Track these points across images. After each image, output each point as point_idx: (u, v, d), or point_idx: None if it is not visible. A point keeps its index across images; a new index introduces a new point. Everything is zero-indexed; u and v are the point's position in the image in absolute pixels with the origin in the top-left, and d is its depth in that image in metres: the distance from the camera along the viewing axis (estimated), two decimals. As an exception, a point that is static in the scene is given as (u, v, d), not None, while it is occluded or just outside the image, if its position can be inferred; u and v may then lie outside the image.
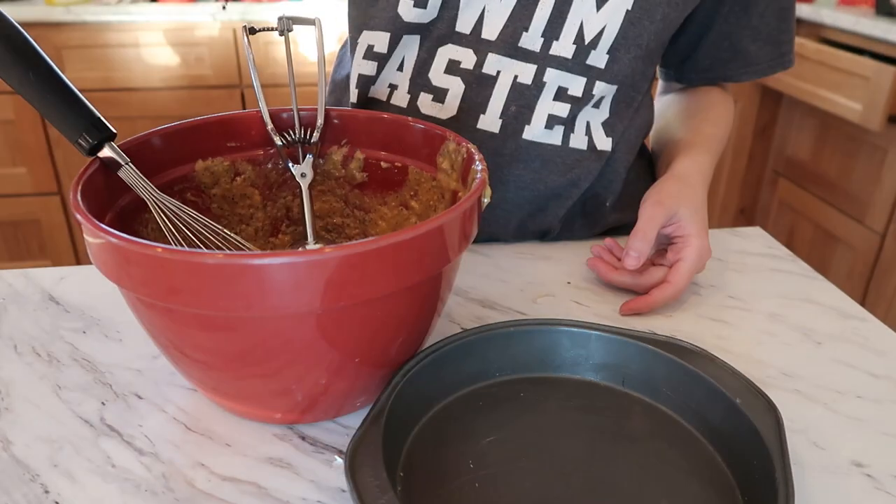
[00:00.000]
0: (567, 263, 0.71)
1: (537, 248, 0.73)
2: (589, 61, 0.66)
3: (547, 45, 0.65)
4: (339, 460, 0.46)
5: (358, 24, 0.70)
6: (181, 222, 0.51)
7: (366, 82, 0.71)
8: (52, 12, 1.79)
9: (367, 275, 0.38)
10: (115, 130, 0.50)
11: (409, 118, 0.58)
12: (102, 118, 0.50)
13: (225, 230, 0.54)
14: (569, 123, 0.70)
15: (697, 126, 0.76)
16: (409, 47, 0.69)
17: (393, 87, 0.71)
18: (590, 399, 0.51)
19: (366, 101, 0.73)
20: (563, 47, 0.65)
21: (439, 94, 0.69)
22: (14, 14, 1.77)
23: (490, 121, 0.69)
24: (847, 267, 1.95)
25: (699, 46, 0.77)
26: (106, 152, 0.49)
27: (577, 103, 0.68)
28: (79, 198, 0.43)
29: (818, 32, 2.01)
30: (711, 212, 2.37)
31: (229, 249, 0.54)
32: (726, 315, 0.63)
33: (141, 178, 0.50)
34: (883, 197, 1.81)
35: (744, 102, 2.19)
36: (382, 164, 0.59)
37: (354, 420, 0.49)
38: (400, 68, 0.70)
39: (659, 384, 0.50)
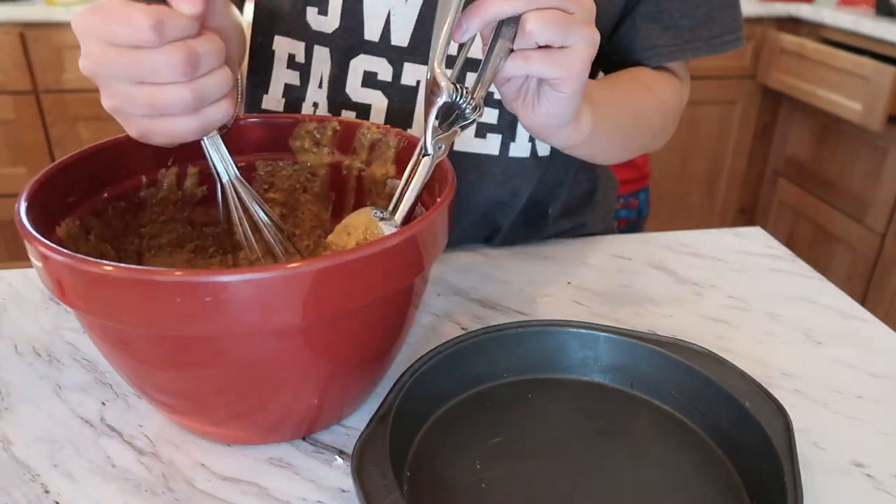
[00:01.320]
0: (567, 263, 0.71)
1: (537, 248, 0.73)
2: None
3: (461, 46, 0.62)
4: (339, 460, 0.46)
5: (266, 28, 0.67)
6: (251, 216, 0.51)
7: (293, 92, 0.68)
8: (52, 12, 1.79)
9: (339, 287, 0.38)
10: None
11: (255, 115, 0.58)
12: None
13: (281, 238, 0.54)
14: (507, 131, 0.66)
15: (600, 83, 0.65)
16: (323, 61, 0.65)
17: (315, 106, 0.68)
18: (598, 401, 0.51)
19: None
20: (479, 50, 0.61)
21: (361, 112, 0.66)
22: (14, 14, 1.77)
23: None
24: (847, 267, 1.95)
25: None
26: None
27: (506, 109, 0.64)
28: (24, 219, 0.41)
29: (818, 32, 2.02)
30: (711, 211, 2.37)
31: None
32: (726, 315, 0.63)
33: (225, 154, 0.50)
34: (883, 197, 1.81)
35: (744, 102, 2.19)
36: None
37: (355, 420, 0.49)
38: (320, 85, 0.66)
39: (667, 386, 0.50)
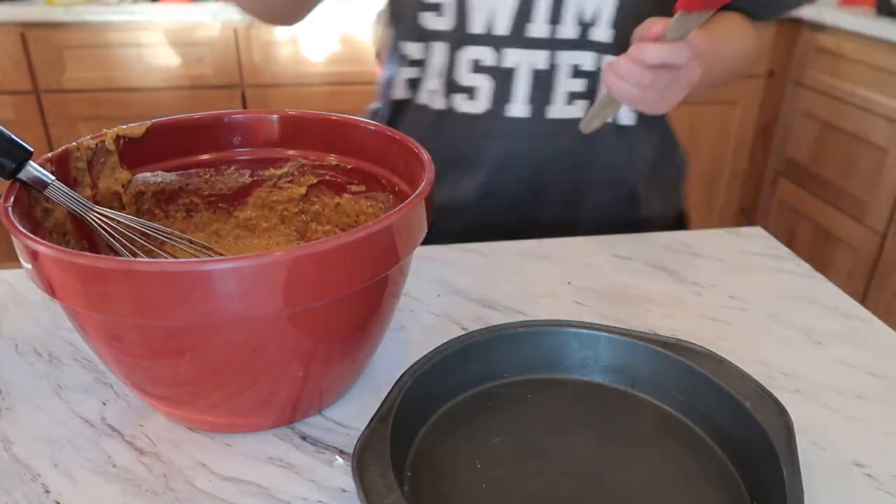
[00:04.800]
0: (567, 263, 0.71)
1: (537, 248, 0.73)
2: (593, 38, 0.73)
3: (552, 30, 0.73)
4: (340, 460, 0.46)
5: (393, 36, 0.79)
6: (124, 234, 0.50)
7: (411, 85, 0.81)
8: (53, 12, 1.79)
9: (319, 276, 0.39)
10: (31, 149, 0.47)
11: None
12: (16, 138, 0.46)
13: (175, 232, 0.54)
14: (591, 97, 0.77)
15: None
16: (437, 53, 0.77)
17: (433, 92, 0.80)
18: (598, 401, 0.51)
19: (403, 105, 0.82)
20: (567, 30, 0.73)
21: (471, 93, 0.78)
22: (14, 14, 1.77)
23: (519, 108, 0.77)
24: (847, 267, 1.95)
25: None
26: (30, 172, 0.46)
27: (592, 77, 0.76)
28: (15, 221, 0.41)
29: (819, 32, 2.01)
30: (711, 212, 2.37)
31: (191, 251, 0.55)
32: (727, 315, 0.63)
33: (71, 193, 0.48)
34: (883, 197, 1.81)
35: (744, 102, 2.19)
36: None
37: (355, 420, 0.49)
38: (433, 73, 0.78)
39: (668, 387, 0.50)
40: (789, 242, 2.16)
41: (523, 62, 0.75)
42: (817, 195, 2.06)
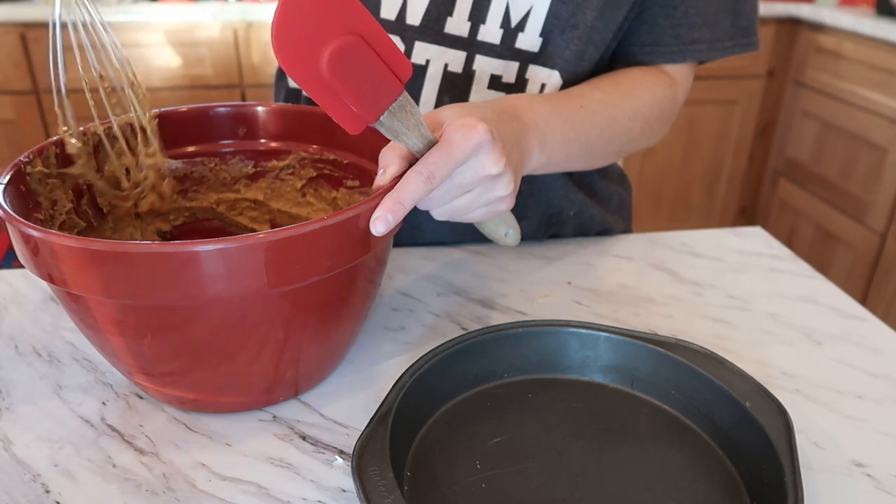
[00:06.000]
0: (567, 263, 0.71)
1: (537, 248, 0.73)
2: (518, 45, 0.64)
3: (474, 29, 0.64)
4: (340, 460, 0.46)
5: None
6: None
7: None
8: (53, 12, 1.79)
9: (297, 259, 0.40)
10: None
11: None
12: None
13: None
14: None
15: (579, 87, 0.65)
16: None
17: None
18: (598, 401, 0.51)
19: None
20: (490, 32, 0.64)
21: None
22: (14, 14, 1.77)
23: (424, 111, 0.62)
24: (847, 267, 1.95)
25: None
26: None
27: (513, 91, 0.66)
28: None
29: (818, 32, 2.02)
30: (711, 211, 2.37)
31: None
32: (726, 315, 0.63)
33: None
34: (883, 197, 1.81)
35: (744, 102, 2.19)
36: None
37: (354, 419, 0.49)
38: None
39: (668, 386, 0.50)
40: (789, 242, 2.17)
41: (435, 59, 0.65)
42: (817, 195, 2.06)
